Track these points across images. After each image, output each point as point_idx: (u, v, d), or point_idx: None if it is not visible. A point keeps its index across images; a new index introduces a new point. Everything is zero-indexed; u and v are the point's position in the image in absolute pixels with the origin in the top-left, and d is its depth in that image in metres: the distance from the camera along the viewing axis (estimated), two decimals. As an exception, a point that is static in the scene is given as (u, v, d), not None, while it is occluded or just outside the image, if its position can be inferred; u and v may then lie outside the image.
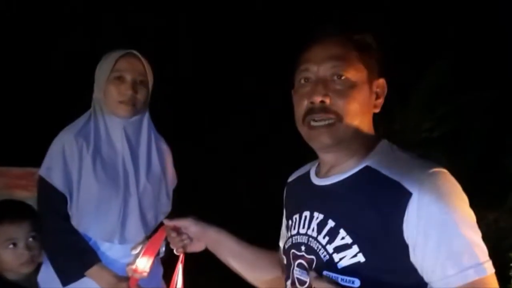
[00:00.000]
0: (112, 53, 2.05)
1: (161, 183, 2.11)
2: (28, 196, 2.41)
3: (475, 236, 1.13)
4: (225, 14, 4.51)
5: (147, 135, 2.10)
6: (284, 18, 4.40)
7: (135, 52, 2.05)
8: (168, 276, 1.94)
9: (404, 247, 1.13)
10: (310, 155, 1.43)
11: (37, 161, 2.58)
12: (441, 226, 1.11)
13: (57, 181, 1.96)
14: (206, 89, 4.43)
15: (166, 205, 2.12)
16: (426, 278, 1.13)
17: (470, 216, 1.15)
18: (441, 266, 1.10)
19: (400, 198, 1.13)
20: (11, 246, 2.03)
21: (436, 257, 1.11)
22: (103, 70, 2.05)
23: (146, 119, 2.10)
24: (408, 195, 1.12)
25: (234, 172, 4.26)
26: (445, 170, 1.17)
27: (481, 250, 1.12)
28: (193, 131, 4.29)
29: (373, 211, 1.16)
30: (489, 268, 1.11)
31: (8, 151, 3.11)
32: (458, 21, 4.42)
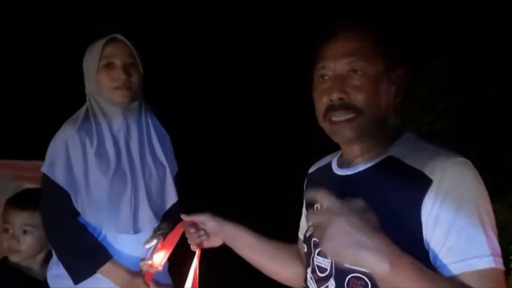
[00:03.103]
0: (96, 42, 2.00)
1: (165, 170, 2.09)
2: (34, 188, 2.37)
3: (488, 229, 1.12)
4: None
5: (147, 121, 2.08)
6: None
7: (119, 36, 2.00)
8: (173, 270, 2.03)
9: (420, 233, 1.14)
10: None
11: (42, 154, 2.61)
12: (454, 214, 1.11)
13: (60, 178, 1.93)
14: (210, 80, 4.45)
15: (172, 192, 2.10)
16: (432, 262, 1.13)
17: (486, 209, 1.15)
18: (446, 251, 1.11)
19: (420, 185, 1.14)
20: (6, 231, 2.10)
21: (443, 243, 1.11)
22: (90, 61, 2.00)
23: (144, 104, 2.08)
24: (429, 182, 1.14)
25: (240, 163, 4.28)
26: (468, 161, 1.17)
27: (492, 244, 1.11)
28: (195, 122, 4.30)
29: (394, 198, 1.18)
30: (498, 262, 1.10)
31: (16, 145, 3.14)
32: (460, 15, 4.42)
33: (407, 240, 1.10)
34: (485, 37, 4.30)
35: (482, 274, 1.08)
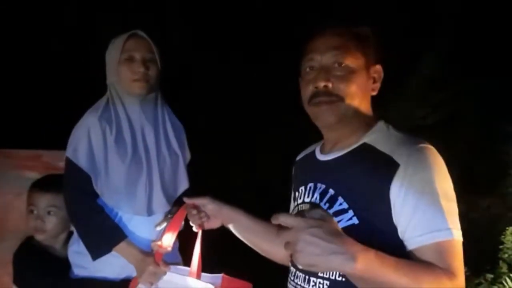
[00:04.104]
0: (119, 37, 2.14)
1: (178, 158, 2.21)
2: (36, 176, 2.50)
3: (450, 207, 1.27)
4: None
5: (162, 112, 2.20)
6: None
7: (140, 32, 2.14)
8: (184, 249, 2.13)
9: (389, 211, 1.29)
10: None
11: (43, 144, 2.65)
12: (420, 194, 1.26)
13: (83, 162, 2.05)
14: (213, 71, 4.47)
15: (184, 179, 2.22)
16: (401, 236, 1.28)
17: (449, 189, 1.30)
18: (412, 227, 1.26)
19: (389, 169, 1.30)
20: (31, 212, 2.28)
21: (409, 219, 1.26)
22: (113, 54, 2.14)
23: (160, 96, 2.21)
24: (396, 166, 1.30)
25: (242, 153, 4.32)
26: (431, 146, 1.34)
27: (452, 218, 1.26)
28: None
29: (367, 180, 1.34)
30: (457, 235, 1.25)
31: (17, 135, 3.17)
32: (454, 9, 4.45)
33: (379, 217, 1.29)
34: (478, 32, 4.32)
35: (442, 244, 1.23)
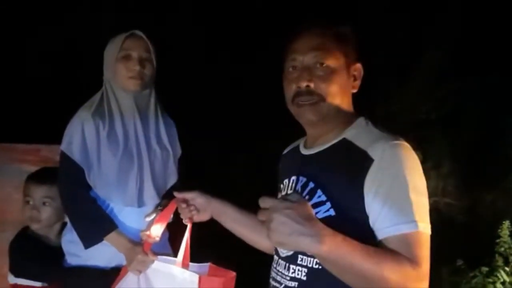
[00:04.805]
0: (118, 36, 2.22)
1: (169, 152, 2.30)
2: (34, 170, 2.55)
3: (418, 201, 1.32)
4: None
5: (154, 108, 2.28)
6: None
7: (139, 32, 2.22)
8: (173, 240, 2.19)
9: (363, 204, 1.34)
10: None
11: (42, 138, 2.68)
12: (390, 188, 1.32)
13: (77, 155, 2.13)
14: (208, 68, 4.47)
15: (173, 173, 2.31)
16: (372, 226, 1.33)
17: (419, 184, 1.35)
18: (381, 219, 1.31)
19: (364, 164, 1.36)
20: (27, 203, 2.35)
21: (379, 211, 1.31)
22: (111, 51, 2.21)
23: (153, 94, 2.28)
24: (371, 161, 1.36)
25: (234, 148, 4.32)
26: (405, 143, 1.40)
27: (420, 212, 1.31)
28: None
29: (344, 174, 1.40)
30: (422, 227, 1.29)
31: (16, 129, 3.20)
32: (459, 4, 4.41)
33: (353, 209, 1.35)
34: (483, 26, 4.29)
35: (408, 235, 1.28)
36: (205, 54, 4.56)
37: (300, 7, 4.24)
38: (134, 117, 2.20)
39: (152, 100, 2.27)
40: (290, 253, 1.48)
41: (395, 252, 1.26)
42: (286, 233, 1.16)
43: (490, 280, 3.58)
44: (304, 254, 1.43)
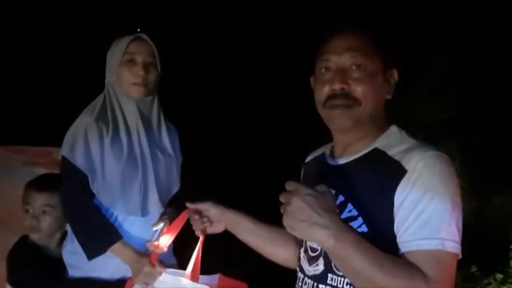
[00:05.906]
0: (123, 38, 2.15)
1: (172, 159, 2.23)
2: (46, 172, 2.55)
3: (449, 217, 1.23)
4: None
5: (157, 114, 2.22)
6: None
7: (144, 36, 2.15)
8: (178, 251, 2.13)
9: (391, 214, 1.27)
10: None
11: (53, 141, 2.70)
12: (417, 199, 1.23)
13: (80, 161, 2.04)
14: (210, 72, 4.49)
15: (176, 180, 2.24)
16: (397, 239, 1.26)
17: (454, 198, 1.25)
18: (406, 232, 1.24)
19: (397, 175, 1.28)
20: (26, 211, 2.27)
21: (403, 224, 1.24)
22: (115, 54, 2.15)
23: (156, 100, 2.22)
24: (404, 172, 1.27)
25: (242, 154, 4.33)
26: (443, 154, 1.30)
27: (449, 230, 1.22)
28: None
29: (376, 187, 1.31)
30: (449, 246, 1.21)
31: (28, 131, 3.23)
32: (470, 5, 4.40)
33: (387, 225, 1.26)
34: (492, 27, 4.28)
35: (430, 253, 1.20)
36: (207, 58, 4.55)
37: (300, 7, 4.25)
38: (137, 123, 2.13)
39: (155, 106, 2.20)
40: (319, 271, 1.40)
41: (412, 264, 1.19)
42: (301, 219, 1.14)
43: (505, 287, 3.53)
44: (334, 273, 1.35)
